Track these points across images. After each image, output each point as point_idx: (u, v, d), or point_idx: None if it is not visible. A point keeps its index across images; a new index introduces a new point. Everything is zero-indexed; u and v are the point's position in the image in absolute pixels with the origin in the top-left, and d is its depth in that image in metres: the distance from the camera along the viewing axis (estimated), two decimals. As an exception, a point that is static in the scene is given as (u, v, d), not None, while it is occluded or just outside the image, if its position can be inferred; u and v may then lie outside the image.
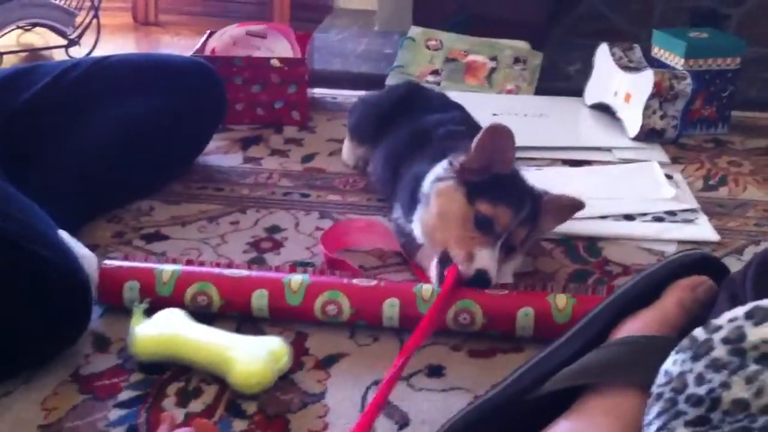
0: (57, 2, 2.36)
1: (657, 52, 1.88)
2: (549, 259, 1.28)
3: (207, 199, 1.46)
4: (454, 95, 1.59)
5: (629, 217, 1.41)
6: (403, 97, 1.52)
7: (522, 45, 2.11)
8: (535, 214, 1.18)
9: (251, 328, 1.08)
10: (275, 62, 1.77)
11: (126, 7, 2.78)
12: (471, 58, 2.07)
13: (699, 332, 0.68)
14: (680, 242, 1.34)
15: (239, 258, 1.26)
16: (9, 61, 2.22)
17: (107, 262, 1.13)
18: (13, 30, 2.34)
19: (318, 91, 1.98)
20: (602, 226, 1.37)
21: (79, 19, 2.37)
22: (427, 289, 1.08)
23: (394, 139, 1.40)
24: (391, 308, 1.07)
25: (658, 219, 1.41)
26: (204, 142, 1.60)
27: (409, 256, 1.23)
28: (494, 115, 1.80)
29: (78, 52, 2.28)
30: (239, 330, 1.07)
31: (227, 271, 1.12)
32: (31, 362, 0.99)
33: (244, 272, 1.12)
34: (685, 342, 0.69)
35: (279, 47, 1.86)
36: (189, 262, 1.16)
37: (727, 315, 0.68)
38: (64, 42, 2.32)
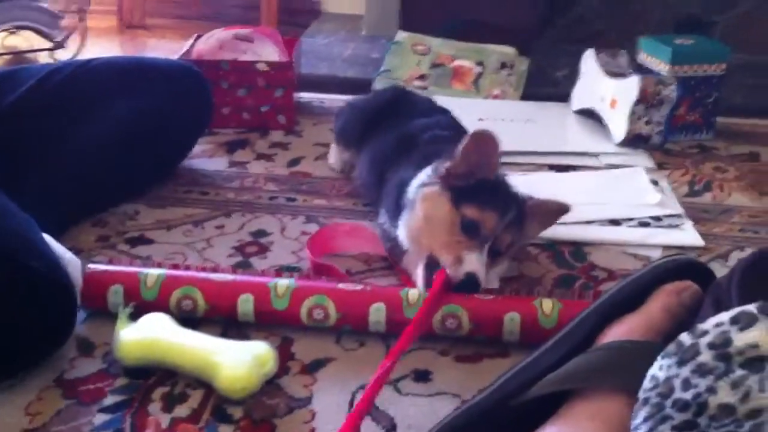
0: (43, 5, 2.34)
1: (643, 58, 1.88)
2: (535, 264, 1.29)
3: (192, 203, 1.45)
4: (441, 100, 1.59)
5: (615, 222, 1.41)
6: (389, 101, 1.52)
7: (509, 50, 2.12)
8: (521, 218, 1.18)
9: (237, 332, 1.08)
10: (262, 66, 1.76)
11: (112, 11, 2.77)
12: (458, 63, 2.08)
13: (685, 337, 0.68)
14: (666, 247, 1.35)
15: (225, 262, 1.25)
16: (-7, 64, 2.21)
17: (92, 266, 1.12)
18: (-2, 33, 2.33)
19: (305, 95, 1.98)
20: (588, 231, 1.38)
21: (65, 22, 2.35)
22: (413, 294, 1.08)
23: (380, 143, 1.40)
24: (377, 313, 1.07)
25: (644, 224, 1.41)
26: (190, 146, 1.59)
27: (395, 260, 1.23)
28: (481, 120, 1.81)
29: (64, 55, 2.27)
30: (225, 335, 1.07)
31: (212, 276, 1.12)
32: (15, 368, 0.98)
33: (230, 276, 1.12)
34: (671, 347, 0.69)
35: (266, 51, 1.85)
36: (174, 267, 1.15)
37: (713, 320, 0.68)
38: (49, 45, 2.31)
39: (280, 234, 1.35)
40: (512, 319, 1.06)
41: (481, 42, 2.13)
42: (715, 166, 1.70)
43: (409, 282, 1.16)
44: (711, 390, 0.64)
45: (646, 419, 0.67)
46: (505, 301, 1.09)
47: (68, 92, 1.38)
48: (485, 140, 1.14)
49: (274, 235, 1.35)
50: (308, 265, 1.23)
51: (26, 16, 2.30)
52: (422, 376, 1.02)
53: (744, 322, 0.66)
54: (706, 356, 0.66)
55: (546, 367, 0.83)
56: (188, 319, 1.06)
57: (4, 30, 2.34)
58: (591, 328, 0.86)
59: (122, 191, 1.44)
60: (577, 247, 1.34)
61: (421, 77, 2.05)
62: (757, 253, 0.80)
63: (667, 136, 1.77)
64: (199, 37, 1.90)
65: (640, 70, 1.85)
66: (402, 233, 1.18)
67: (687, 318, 0.83)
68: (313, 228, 1.36)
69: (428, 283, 1.09)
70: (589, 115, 1.88)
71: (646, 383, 0.69)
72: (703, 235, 1.38)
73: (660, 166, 1.68)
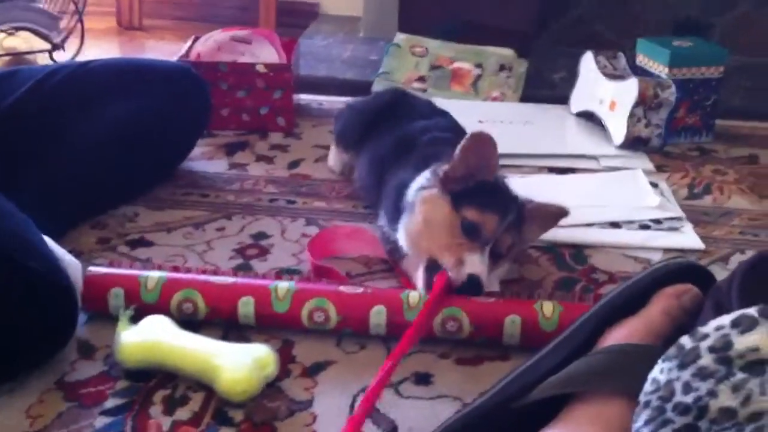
0: (41, 6, 2.34)
1: (641, 60, 1.89)
2: (535, 267, 1.29)
3: (192, 206, 1.45)
4: (441, 102, 1.60)
5: (615, 225, 1.42)
6: (389, 103, 1.53)
7: (507, 52, 2.12)
8: (520, 221, 1.18)
9: (237, 335, 1.08)
10: (260, 68, 1.76)
11: (110, 12, 2.77)
12: (457, 65, 2.08)
13: (686, 340, 0.69)
14: (666, 250, 1.35)
15: (225, 265, 1.25)
16: (-8, 66, 2.21)
17: (92, 269, 1.12)
18: (-4, 34, 2.33)
19: (303, 97, 1.98)
20: (588, 234, 1.38)
21: (63, 24, 2.35)
22: (413, 297, 1.08)
23: (380, 145, 1.40)
24: (377, 315, 1.07)
25: (644, 227, 1.41)
26: (189, 147, 1.59)
27: (395, 263, 1.23)
28: (480, 122, 1.81)
29: (62, 57, 2.27)
30: (225, 337, 1.07)
31: (213, 278, 1.12)
32: (15, 370, 0.98)
33: (230, 279, 1.12)
34: (672, 350, 0.69)
35: (264, 53, 1.86)
36: (175, 269, 1.15)
37: (714, 323, 0.68)
38: (48, 46, 2.30)
39: (281, 236, 1.35)
40: (513, 322, 1.06)
41: (478, 44, 2.14)
42: (714, 168, 1.70)
43: (410, 284, 1.16)
44: (712, 393, 0.64)
45: (647, 422, 0.67)
46: (506, 303, 1.09)
47: (67, 93, 1.39)
48: (483, 142, 1.14)
49: (274, 237, 1.35)
50: (308, 268, 1.23)
51: (25, 17, 2.30)
52: (423, 379, 1.02)
53: (744, 326, 0.66)
54: (706, 359, 0.66)
55: (547, 370, 0.83)
56: (189, 322, 1.07)
57: (2, 31, 2.35)
58: (591, 331, 0.86)
59: (121, 192, 1.44)
60: (578, 250, 1.34)
61: (420, 79, 2.05)
62: (758, 256, 0.80)
63: (667, 139, 1.77)
64: (197, 38, 1.90)
65: (639, 72, 1.85)
66: (402, 236, 1.18)
67: (687, 321, 0.83)
68: (313, 230, 1.36)
69: (429, 285, 1.09)
70: (588, 117, 1.88)
71: (647, 386, 0.69)
72: (703, 238, 1.39)
73: (659, 168, 1.68)
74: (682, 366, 0.67)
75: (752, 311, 0.67)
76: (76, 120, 1.37)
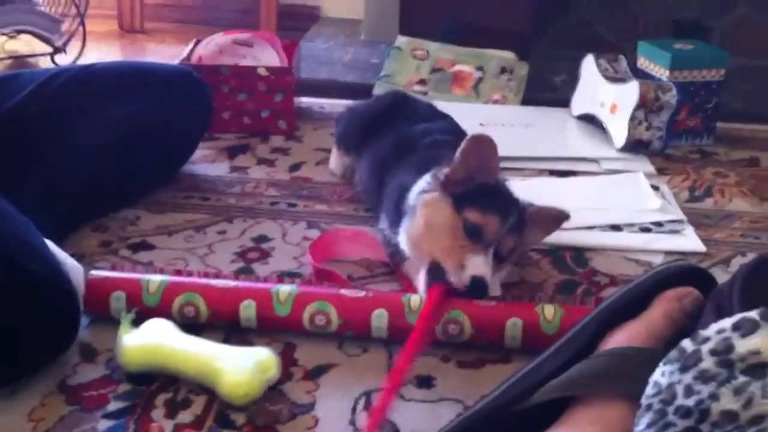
0: (43, 9, 2.35)
1: (642, 63, 1.89)
2: (536, 270, 1.29)
3: (193, 209, 1.45)
4: (442, 105, 1.60)
5: (616, 228, 1.42)
6: (390, 106, 1.53)
7: (508, 55, 2.12)
8: (522, 224, 1.18)
9: (239, 338, 1.08)
10: (262, 71, 1.77)
11: (112, 15, 2.77)
12: (458, 68, 2.08)
13: (687, 343, 0.69)
14: (667, 253, 1.35)
15: (226, 268, 1.25)
16: (-6, 69, 2.21)
17: (94, 272, 1.12)
18: (-3, 37, 2.34)
19: (305, 100, 1.98)
20: (589, 237, 1.38)
21: (64, 27, 2.36)
22: (415, 300, 1.08)
23: (381, 148, 1.40)
24: (379, 319, 1.07)
25: (645, 230, 1.41)
26: (190, 150, 1.59)
27: (396, 266, 1.24)
28: (481, 125, 1.81)
29: (64, 60, 2.28)
30: (227, 341, 1.07)
31: (214, 282, 1.12)
32: (18, 374, 0.98)
33: (232, 283, 1.12)
34: (673, 353, 0.69)
35: (265, 56, 1.86)
36: (176, 272, 1.15)
37: (715, 326, 0.68)
38: (49, 49, 2.31)
39: (282, 239, 1.35)
40: (514, 325, 1.06)
41: (479, 46, 2.14)
42: (715, 171, 1.70)
43: (411, 287, 1.16)
44: (713, 396, 0.64)
45: (648, 425, 0.67)
46: (507, 306, 1.09)
47: (69, 96, 1.39)
48: (483, 144, 1.14)
49: (275, 240, 1.35)
50: (310, 271, 1.24)
51: (26, 21, 2.31)
52: (425, 382, 1.02)
53: (746, 329, 0.66)
54: (708, 363, 0.66)
55: (548, 373, 0.83)
56: (191, 326, 1.07)
57: (4, 34, 2.35)
58: (593, 334, 0.86)
59: (122, 195, 1.44)
60: (579, 253, 1.34)
61: (421, 82, 2.05)
62: (759, 259, 0.80)
63: (668, 142, 1.77)
64: (198, 41, 1.90)
65: (639, 75, 1.85)
66: (403, 240, 1.18)
67: (688, 324, 0.83)
68: (314, 234, 1.36)
69: (430, 288, 1.09)
70: (589, 120, 1.88)
71: (649, 389, 0.69)
72: (704, 241, 1.39)
73: (660, 171, 1.68)
74: (683, 369, 0.67)
75: (753, 314, 0.67)
76: (78, 123, 1.37)
